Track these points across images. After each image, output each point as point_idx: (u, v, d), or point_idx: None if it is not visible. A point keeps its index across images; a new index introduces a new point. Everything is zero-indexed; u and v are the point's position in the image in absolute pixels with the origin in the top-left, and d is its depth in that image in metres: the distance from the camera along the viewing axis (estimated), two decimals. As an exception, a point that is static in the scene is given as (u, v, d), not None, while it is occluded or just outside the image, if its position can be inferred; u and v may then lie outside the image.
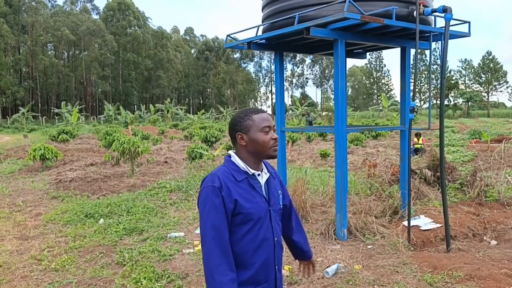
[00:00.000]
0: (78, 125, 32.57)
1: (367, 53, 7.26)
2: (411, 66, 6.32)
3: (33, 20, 63.46)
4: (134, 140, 9.81)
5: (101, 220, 6.22)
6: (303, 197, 6.06)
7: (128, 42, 75.83)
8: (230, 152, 1.91)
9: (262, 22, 5.76)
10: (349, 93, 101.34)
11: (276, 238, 1.90)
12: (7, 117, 50.81)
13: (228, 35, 6.11)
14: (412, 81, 5.22)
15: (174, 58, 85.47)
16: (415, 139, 15.42)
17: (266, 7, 5.68)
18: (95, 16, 76.10)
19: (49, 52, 71.46)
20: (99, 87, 71.47)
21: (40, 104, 67.45)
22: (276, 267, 1.91)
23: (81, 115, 44.41)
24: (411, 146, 15.60)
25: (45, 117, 55.40)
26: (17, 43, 63.11)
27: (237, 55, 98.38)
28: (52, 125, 40.42)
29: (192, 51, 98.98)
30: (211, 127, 34.94)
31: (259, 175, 1.87)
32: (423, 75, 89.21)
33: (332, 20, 4.67)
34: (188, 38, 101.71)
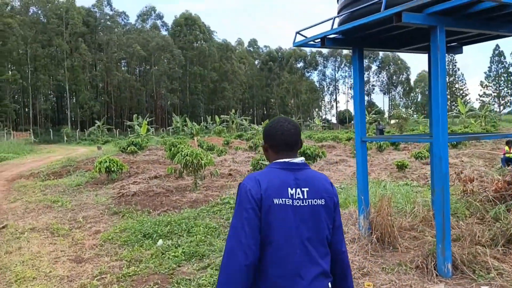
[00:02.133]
0: (147, 137, 33.50)
1: (463, 47, 6.10)
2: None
3: (108, 38, 67.48)
4: (197, 152, 9.32)
5: (160, 242, 5.65)
6: (389, 218, 5.06)
7: (194, 55, 78.11)
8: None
9: (338, 13, 4.89)
10: (418, 99, 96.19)
11: None
12: (85, 130, 54.00)
13: (298, 32, 5.28)
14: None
15: (239, 70, 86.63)
16: (506, 148, 13.55)
17: (343, -6, 4.81)
18: (164, 32, 79.41)
19: (122, 68, 75.54)
20: (168, 100, 74.06)
21: (114, 117, 71.35)
22: None
23: (151, 127, 45.95)
24: (502, 156, 13.71)
25: (118, 129, 58.25)
26: (94, 61, 67.27)
27: (300, 64, 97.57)
28: (125, 137, 42.14)
29: (256, 62, 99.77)
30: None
31: None
32: (501, 77, 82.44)
33: (430, 1, 3.72)
34: (252, 49, 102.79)
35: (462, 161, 14.95)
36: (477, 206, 6.04)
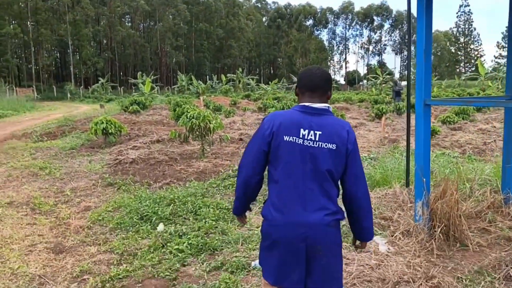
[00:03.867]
0: (151, 95, 32.15)
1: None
2: None
3: (111, -8, 64.66)
4: (205, 114, 8.08)
5: (160, 226, 4.55)
6: (457, 207, 3.88)
7: (200, 11, 75.30)
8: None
9: None
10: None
11: None
12: (88, 87, 52.54)
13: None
14: None
15: (246, 27, 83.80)
16: None
17: None
18: (169, -14, 75.96)
19: (126, 24, 73.05)
20: (173, 57, 72.05)
21: (119, 75, 69.73)
22: None
23: (156, 86, 44.46)
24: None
25: (123, 87, 56.73)
26: (96, 15, 64.79)
27: (310, 21, 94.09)
28: (129, 95, 40.75)
29: (264, 19, 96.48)
30: (285, 98, 32.91)
31: None
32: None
33: None
34: (259, 5, 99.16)
35: (494, 126, 13.63)
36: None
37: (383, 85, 46.83)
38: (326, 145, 1.90)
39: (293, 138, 1.90)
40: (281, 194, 1.93)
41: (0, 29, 51.13)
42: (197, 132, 8.24)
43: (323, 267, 1.93)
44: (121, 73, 72.11)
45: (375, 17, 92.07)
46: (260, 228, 2.13)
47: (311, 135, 1.90)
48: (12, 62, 54.95)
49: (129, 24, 73.95)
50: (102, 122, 9.71)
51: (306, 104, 1.97)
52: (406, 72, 35.59)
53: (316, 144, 1.90)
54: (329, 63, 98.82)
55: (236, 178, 2.59)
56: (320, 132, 1.90)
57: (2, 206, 5.53)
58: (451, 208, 3.85)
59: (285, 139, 1.90)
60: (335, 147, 1.91)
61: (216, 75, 59.20)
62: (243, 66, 72.16)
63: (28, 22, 57.71)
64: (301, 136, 1.90)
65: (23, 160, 8.63)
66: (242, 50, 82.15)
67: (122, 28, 66.55)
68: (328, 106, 1.99)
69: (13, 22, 58.28)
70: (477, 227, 4.20)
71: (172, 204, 5.15)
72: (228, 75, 52.37)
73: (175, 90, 50.60)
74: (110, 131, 9.73)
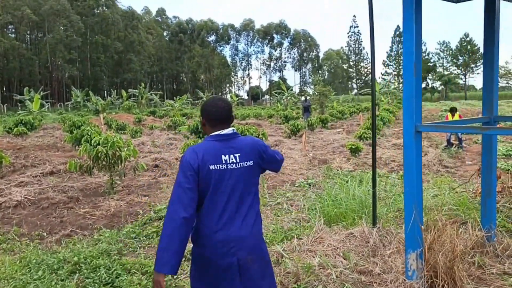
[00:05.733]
0: (41, 114, 28.52)
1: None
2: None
3: (-11, -1, 57.58)
4: (114, 140, 6.61)
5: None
6: (458, 258, 3.13)
7: (96, 23, 70.76)
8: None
9: None
10: (325, 76, 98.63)
11: None
12: (-38, 105, 45.61)
13: None
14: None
15: (146, 41, 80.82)
16: (449, 115, 12.61)
17: None
18: (59, -5, 70.06)
19: (10, 35, 65.53)
20: (65, 71, 66.36)
21: (3, 91, 62.02)
22: None
23: (46, 102, 39.95)
24: (447, 136, 12.88)
25: (6, 104, 50.33)
26: (-29, 24, 57.13)
27: (212, 37, 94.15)
28: (15, 113, 35.94)
29: (165, 33, 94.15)
30: (193, 114, 31.54)
31: None
32: (401, 57, 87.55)
33: None
34: (160, 19, 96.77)
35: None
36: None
37: (289, 99, 47.97)
38: (246, 163, 2.14)
39: (217, 166, 2.06)
40: (214, 218, 2.07)
41: None
42: (104, 162, 6.72)
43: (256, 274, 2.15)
44: (4, 89, 64.29)
45: (275, 35, 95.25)
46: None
47: (232, 159, 2.10)
48: None
49: (13, 35, 66.50)
50: (-25, 152, 7.62)
51: (219, 132, 2.15)
52: (316, 86, 36.47)
53: (238, 165, 2.11)
54: (232, 78, 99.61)
55: (161, 221, 1.79)
56: (239, 154, 2.13)
57: None
58: (453, 260, 3.09)
59: (211, 168, 2.04)
60: (252, 163, 2.17)
61: (115, 90, 55.52)
62: (144, 81, 69.00)
63: None
64: (223, 162, 2.07)
65: None
66: (143, 65, 78.85)
67: (4, 39, 59.45)
68: (234, 129, 2.20)
69: None
70: (470, 274, 3.52)
71: (78, 272, 3.71)
72: (129, 90, 49.34)
73: (69, 107, 46.18)
74: (-14, 163, 7.68)
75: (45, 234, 4.96)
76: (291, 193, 6.44)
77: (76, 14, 66.35)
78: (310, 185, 6.85)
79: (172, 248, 1.92)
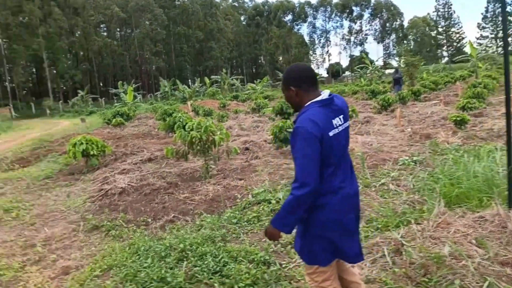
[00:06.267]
0: (135, 105, 30.40)
1: None
2: None
3: (83, 1, 62.35)
4: (207, 125, 6.58)
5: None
6: None
7: (177, 14, 73.47)
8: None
9: None
10: (411, 46, 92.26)
11: None
12: (68, 101, 50.30)
13: None
14: None
15: (225, 27, 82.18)
16: None
17: None
18: (143, -9, 73.78)
19: (102, 33, 70.83)
20: (153, 63, 70.07)
21: (100, 86, 67.39)
22: None
23: (138, 94, 42.49)
24: None
25: (104, 98, 54.56)
26: (70, 26, 62.38)
27: (289, 17, 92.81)
28: (112, 106, 38.78)
29: (242, 18, 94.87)
30: (276, 97, 31.34)
31: None
32: (499, 17, 78.67)
33: None
34: (237, 4, 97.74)
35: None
36: None
37: (373, 74, 45.54)
38: (347, 123, 2.25)
39: (333, 132, 2.11)
40: (335, 180, 2.15)
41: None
42: (198, 147, 6.73)
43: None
44: (101, 84, 69.84)
45: (354, 7, 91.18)
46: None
47: (339, 121, 2.16)
48: (-16, 82, 52.43)
49: (105, 33, 71.69)
50: (82, 143, 8.12)
51: (319, 99, 2.14)
52: (403, 57, 34.13)
53: (343, 126, 2.19)
54: (311, 57, 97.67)
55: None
56: (342, 115, 2.20)
57: None
58: None
59: (330, 134, 2.09)
60: (348, 124, 2.27)
61: (199, 78, 57.48)
62: (225, 66, 70.47)
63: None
64: (335, 126, 2.13)
65: (-14, 199, 7.00)
66: (223, 51, 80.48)
67: (98, 38, 64.33)
68: (328, 91, 2.20)
69: (-18, 39, 55.68)
70: None
71: (185, 260, 3.65)
72: (212, 77, 50.63)
73: (158, 97, 48.71)
74: (91, 152, 8.15)
75: (149, 220, 5.06)
76: (396, 172, 5.89)
77: (159, 7, 69.38)
78: (416, 163, 6.22)
79: (298, 214, 2.06)
